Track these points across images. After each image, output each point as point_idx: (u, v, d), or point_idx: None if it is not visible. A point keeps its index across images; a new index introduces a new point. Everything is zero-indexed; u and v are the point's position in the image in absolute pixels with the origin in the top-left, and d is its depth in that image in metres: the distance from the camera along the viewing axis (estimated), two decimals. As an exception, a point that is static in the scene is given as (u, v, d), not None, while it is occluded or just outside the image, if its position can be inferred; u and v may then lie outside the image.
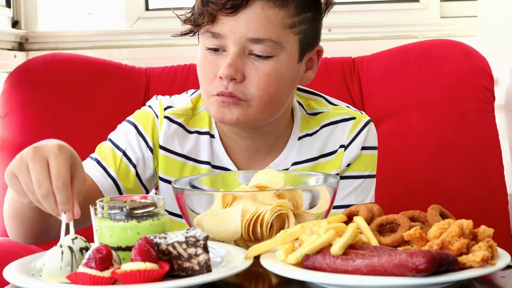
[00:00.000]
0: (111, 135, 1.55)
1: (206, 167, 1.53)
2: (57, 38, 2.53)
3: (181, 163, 1.53)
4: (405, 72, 2.12)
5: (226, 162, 1.53)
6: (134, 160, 1.51)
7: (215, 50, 1.43)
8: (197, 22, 1.43)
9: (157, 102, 1.55)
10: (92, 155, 1.52)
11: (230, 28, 1.40)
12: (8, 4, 2.51)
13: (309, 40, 1.48)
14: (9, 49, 2.43)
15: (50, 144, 1.14)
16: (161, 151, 1.52)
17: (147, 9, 2.62)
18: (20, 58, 2.44)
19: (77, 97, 2.10)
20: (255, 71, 1.41)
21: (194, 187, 1.34)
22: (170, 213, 1.51)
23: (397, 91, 2.11)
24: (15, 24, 2.53)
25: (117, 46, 2.53)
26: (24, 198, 1.15)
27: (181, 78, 2.17)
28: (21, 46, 2.50)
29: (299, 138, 1.55)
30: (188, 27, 1.47)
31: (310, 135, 1.56)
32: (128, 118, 1.56)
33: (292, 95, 1.51)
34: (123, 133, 1.53)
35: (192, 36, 1.48)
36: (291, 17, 1.42)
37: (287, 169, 1.54)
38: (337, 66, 2.17)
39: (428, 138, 2.08)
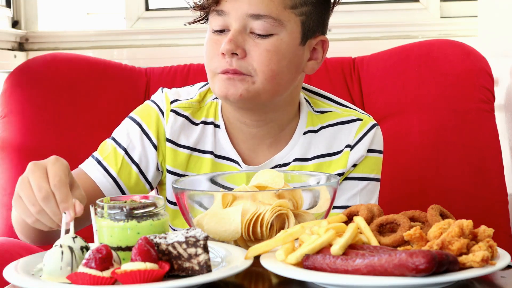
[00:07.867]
0: (115, 133, 1.56)
1: (209, 156, 1.54)
2: (57, 38, 2.53)
3: (187, 155, 1.54)
4: (405, 72, 2.12)
5: (230, 151, 1.54)
6: (136, 158, 1.52)
7: (221, 31, 1.46)
8: (203, 4, 1.47)
9: (163, 95, 1.56)
10: (94, 153, 1.53)
11: (233, 5, 1.44)
12: (8, 4, 2.51)
13: (313, 25, 1.49)
14: (9, 49, 2.43)
15: (48, 158, 1.20)
16: (168, 144, 1.53)
17: (147, 9, 2.62)
18: (20, 58, 2.44)
19: (77, 97, 2.10)
20: (255, 47, 1.44)
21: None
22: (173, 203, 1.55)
23: (397, 91, 2.11)
24: (15, 24, 2.53)
25: (117, 46, 2.53)
26: (28, 218, 1.18)
27: (181, 78, 2.17)
28: (21, 46, 2.50)
29: (304, 133, 1.56)
30: (198, 13, 1.50)
31: (315, 131, 1.56)
32: (132, 114, 1.57)
33: (297, 81, 1.52)
34: (126, 131, 1.54)
35: (203, 23, 1.52)
36: None
37: (287, 164, 1.54)
38: (337, 66, 2.17)
39: (428, 138, 2.07)
